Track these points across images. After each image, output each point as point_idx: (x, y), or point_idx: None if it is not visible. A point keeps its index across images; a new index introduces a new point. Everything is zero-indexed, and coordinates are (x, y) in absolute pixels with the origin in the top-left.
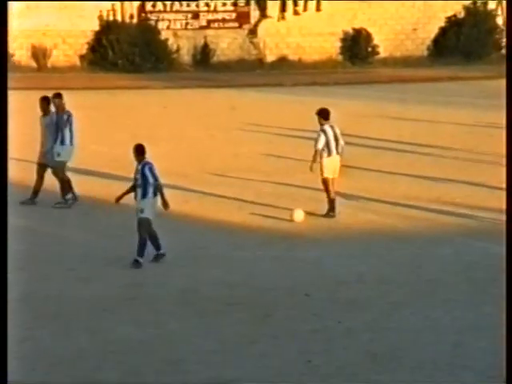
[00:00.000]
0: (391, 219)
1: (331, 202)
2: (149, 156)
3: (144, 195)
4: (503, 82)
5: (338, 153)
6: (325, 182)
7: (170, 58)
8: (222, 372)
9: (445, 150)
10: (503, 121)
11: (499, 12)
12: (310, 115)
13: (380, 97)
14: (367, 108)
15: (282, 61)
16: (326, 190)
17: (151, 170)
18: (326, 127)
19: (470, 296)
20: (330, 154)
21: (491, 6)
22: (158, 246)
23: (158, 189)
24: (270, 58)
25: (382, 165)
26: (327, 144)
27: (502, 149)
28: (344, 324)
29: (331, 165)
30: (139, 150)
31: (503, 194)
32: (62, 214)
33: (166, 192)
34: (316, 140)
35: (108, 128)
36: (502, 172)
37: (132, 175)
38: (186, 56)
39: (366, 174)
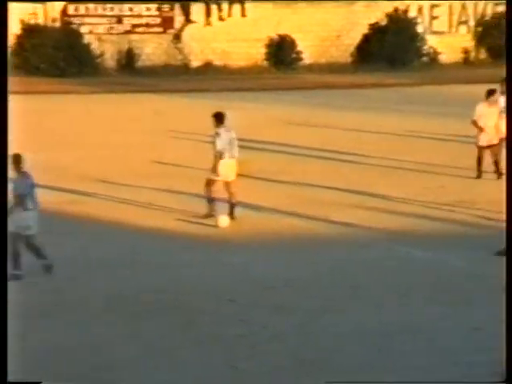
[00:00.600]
0: (316, 224)
1: (212, 202)
2: (73, 160)
3: (25, 209)
4: (426, 89)
5: (232, 156)
6: (209, 182)
7: (95, 62)
8: (146, 378)
9: (368, 157)
10: (425, 127)
11: (419, 20)
12: (236, 121)
13: (305, 103)
14: (292, 114)
15: (208, 66)
16: (207, 190)
17: (28, 181)
18: (221, 131)
19: (393, 300)
20: (222, 157)
21: (412, 13)
22: (42, 256)
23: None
24: (196, 63)
25: (307, 171)
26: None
27: (424, 156)
28: (270, 329)
29: (223, 168)
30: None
31: (424, 199)
32: None
33: (91, 197)
34: (214, 143)
35: (31, 133)
36: (424, 178)
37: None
38: (110, 60)
39: (290, 180)
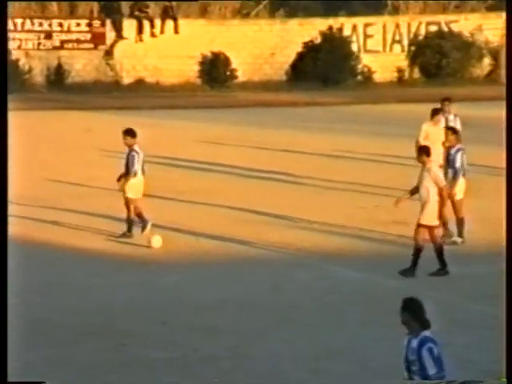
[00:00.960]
0: (249, 245)
1: (130, 222)
2: None
3: None
4: (359, 108)
5: (143, 173)
6: (128, 201)
7: (22, 78)
8: None
9: (301, 177)
10: (358, 147)
11: (354, 38)
12: (168, 139)
13: (239, 121)
14: (225, 132)
15: (140, 83)
16: (128, 209)
17: None
18: (137, 148)
19: (328, 321)
20: (135, 175)
21: (347, 32)
22: None
23: None
24: (127, 80)
25: (239, 191)
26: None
27: (357, 175)
28: (202, 352)
29: (137, 186)
30: None
31: (358, 219)
32: None
33: (19, 219)
34: (131, 161)
35: None
36: (357, 198)
37: None
38: (38, 77)
39: (222, 200)
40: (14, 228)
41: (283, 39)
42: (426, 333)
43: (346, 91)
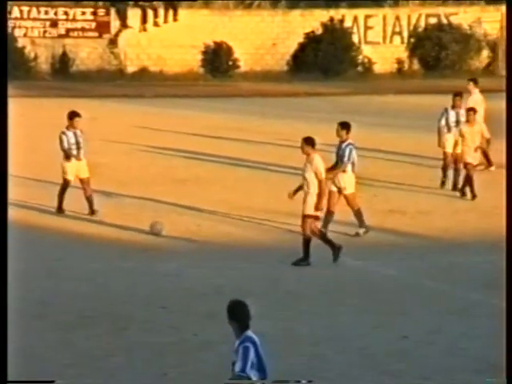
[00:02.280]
0: (250, 232)
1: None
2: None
3: None
4: (359, 99)
5: (78, 158)
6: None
7: (28, 66)
8: None
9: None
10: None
11: (355, 30)
12: (170, 128)
13: (239, 110)
14: (226, 121)
15: (143, 72)
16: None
17: None
18: (67, 131)
19: (326, 308)
20: (69, 158)
21: (348, 23)
22: None
23: None
24: (131, 68)
25: (238, 178)
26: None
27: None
28: (201, 337)
29: (71, 168)
30: None
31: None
32: None
33: (26, 203)
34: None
35: None
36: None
37: None
38: (44, 64)
39: (223, 187)
40: (15, 213)
41: (285, 30)
42: (248, 333)
43: (346, 82)
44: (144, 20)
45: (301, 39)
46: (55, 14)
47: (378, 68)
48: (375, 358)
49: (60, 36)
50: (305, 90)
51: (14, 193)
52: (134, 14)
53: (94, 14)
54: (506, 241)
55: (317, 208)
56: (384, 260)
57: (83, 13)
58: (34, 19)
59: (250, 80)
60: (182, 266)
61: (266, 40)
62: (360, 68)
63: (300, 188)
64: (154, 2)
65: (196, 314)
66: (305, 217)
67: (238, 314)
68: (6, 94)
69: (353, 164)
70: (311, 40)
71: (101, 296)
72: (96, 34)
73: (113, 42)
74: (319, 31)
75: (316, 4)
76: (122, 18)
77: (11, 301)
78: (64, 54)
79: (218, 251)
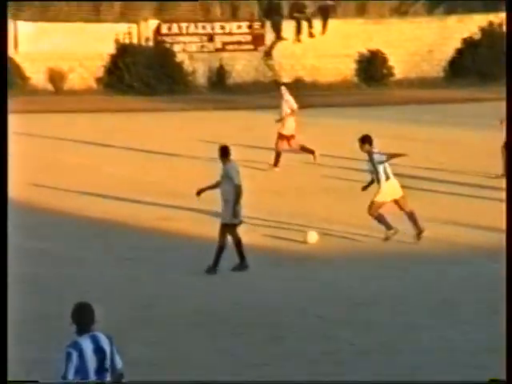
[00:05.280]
0: (402, 241)
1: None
2: (164, 177)
3: None
4: None
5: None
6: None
7: (186, 80)
8: None
9: (462, 173)
10: None
11: None
12: (325, 137)
13: (395, 118)
14: (381, 129)
15: (298, 82)
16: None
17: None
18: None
19: (483, 317)
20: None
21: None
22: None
23: None
24: (285, 79)
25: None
26: None
27: None
28: (358, 346)
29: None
30: None
31: None
32: None
33: (184, 213)
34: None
35: (123, 150)
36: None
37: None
38: (201, 78)
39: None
40: (178, 223)
41: (441, 36)
42: (77, 338)
43: (504, 87)
44: (298, 31)
45: (458, 45)
46: (212, 28)
47: None
48: None
49: (217, 50)
50: (462, 95)
51: (175, 203)
52: (288, 26)
53: (250, 27)
54: (506, 244)
55: (235, 215)
56: None
57: (239, 26)
58: (192, 34)
59: (404, 87)
60: (337, 274)
61: (422, 46)
62: None
63: None
64: (309, 14)
65: (352, 323)
66: (223, 225)
67: (77, 317)
68: (5, 94)
69: (385, 173)
70: (469, 45)
71: (257, 305)
72: (251, 47)
73: (268, 54)
74: (477, 36)
75: (474, 9)
76: (277, 30)
77: (169, 309)
78: (220, 67)
79: (372, 259)
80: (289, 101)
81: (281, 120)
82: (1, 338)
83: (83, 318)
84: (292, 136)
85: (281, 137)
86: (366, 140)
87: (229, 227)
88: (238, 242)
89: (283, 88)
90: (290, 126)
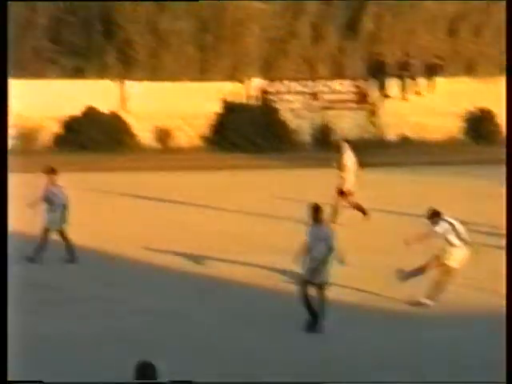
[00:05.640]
0: None
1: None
2: (266, 232)
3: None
4: None
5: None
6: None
7: (290, 137)
8: None
9: None
10: None
11: None
12: (432, 195)
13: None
14: (487, 188)
15: (403, 140)
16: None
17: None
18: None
19: None
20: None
21: None
22: None
23: None
24: (390, 137)
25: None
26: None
27: None
28: None
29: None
30: None
31: None
32: None
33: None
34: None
35: (228, 207)
36: None
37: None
38: (305, 136)
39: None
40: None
41: None
42: None
43: None
44: (404, 89)
45: None
46: (316, 86)
47: None
48: None
49: (322, 108)
50: None
51: (276, 260)
52: (392, 84)
53: (354, 85)
54: (507, 244)
55: None
56: None
57: (343, 84)
58: (297, 93)
59: None
60: (445, 333)
61: None
62: None
63: None
64: (414, 71)
65: None
66: None
67: (138, 376)
68: (6, 95)
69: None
70: None
71: (362, 361)
72: (356, 105)
73: (373, 112)
74: None
75: None
76: (382, 87)
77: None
78: (325, 125)
79: (490, 320)
80: (349, 157)
81: (342, 177)
82: (1, 337)
83: (146, 377)
84: (350, 192)
85: (341, 193)
86: (433, 216)
87: (321, 287)
88: (323, 302)
89: (345, 144)
90: (349, 182)
